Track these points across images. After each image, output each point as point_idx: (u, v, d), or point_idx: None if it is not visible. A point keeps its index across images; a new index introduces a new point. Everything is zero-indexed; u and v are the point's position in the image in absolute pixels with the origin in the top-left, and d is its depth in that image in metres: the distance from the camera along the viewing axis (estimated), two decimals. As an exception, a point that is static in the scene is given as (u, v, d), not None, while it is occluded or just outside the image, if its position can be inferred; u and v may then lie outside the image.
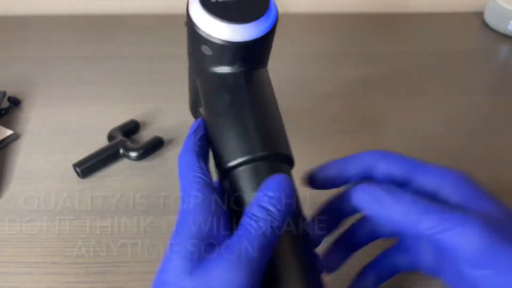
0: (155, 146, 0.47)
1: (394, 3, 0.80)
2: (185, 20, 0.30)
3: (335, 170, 0.30)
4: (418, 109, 0.56)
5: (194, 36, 0.29)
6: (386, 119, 0.54)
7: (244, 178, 0.27)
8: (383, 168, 0.29)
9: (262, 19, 0.28)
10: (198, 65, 0.31)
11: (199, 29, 0.28)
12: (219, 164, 0.28)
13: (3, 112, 0.51)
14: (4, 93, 0.53)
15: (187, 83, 0.36)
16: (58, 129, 0.50)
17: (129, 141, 0.47)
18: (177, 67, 0.61)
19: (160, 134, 0.49)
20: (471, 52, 0.69)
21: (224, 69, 0.30)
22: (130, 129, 0.49)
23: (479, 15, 0.78)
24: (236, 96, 0.29)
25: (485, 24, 0.76)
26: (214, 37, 0.28)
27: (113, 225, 0.40)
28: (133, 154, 0.46)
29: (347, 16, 0.77)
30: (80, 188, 0.43)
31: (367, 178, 0.30)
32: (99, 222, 0.40)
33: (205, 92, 0.31)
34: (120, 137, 0.47)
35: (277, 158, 0.28)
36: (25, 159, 0.46)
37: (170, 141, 0.49)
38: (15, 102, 0.53)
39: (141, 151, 0.46)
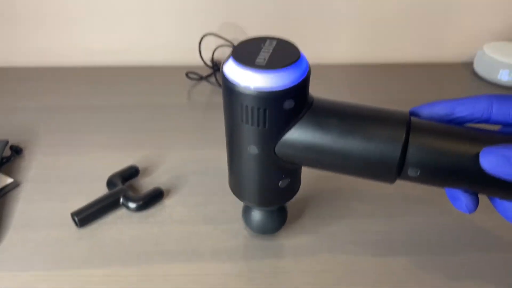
0: (155, 197, 0.48)
1: (389, 54, 0.83)
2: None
3: (446, 108, 0.31)
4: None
5: (282, 98, 0.30)
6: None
7: None
8: (499, 111, 0.30)
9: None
10: (278, 127, 0.32)
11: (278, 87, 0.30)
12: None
13: (4, 160, 0.52)
14: (7, 142, 0.54)
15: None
16: (58, 177, 0.51)
17: (129, 189, 0.48)
18: (175, 115, 0.64)
19: (158, 182, 0.50)
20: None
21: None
22: (130, 174, 0.50)
23: (469, 65, 0.81)
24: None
25: (475, 74, 0.79)
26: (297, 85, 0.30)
27: (111, 275, 0.40)
28: (132, 205, 0.46)
29: (341, 66, 0.80)
30: (78, 237, 0.43)
31: (482, 121, 0.31)
32: (96, 271, 0.40)
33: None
34: (120, 185, 0.47)
35: None
36: (24, 207, 0.47)
37: (169, 189, 0.50)
38: (17, 151, 0.54)
39: (140, 202, 0.46)
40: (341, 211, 0.48)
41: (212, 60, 0.76)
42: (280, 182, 0.36)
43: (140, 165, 0.52)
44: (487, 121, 0.31)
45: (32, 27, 0.74)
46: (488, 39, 0.82)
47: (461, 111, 0.31)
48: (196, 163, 0.54)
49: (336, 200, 0.49)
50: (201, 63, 0.75)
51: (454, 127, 0.31)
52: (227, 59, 0.32)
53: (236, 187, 0.38)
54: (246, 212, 0.42)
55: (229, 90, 0.31)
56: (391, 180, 0.32)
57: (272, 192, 0.37)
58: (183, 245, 0.43)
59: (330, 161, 0.33)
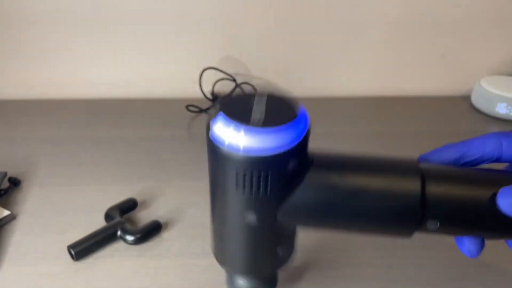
0: (153, 230, 0.47)
1: (387, 87, 0.84)
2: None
3: (456, 153, 0.30)
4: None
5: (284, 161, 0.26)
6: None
7: None
8: (510, 148, 0.29)
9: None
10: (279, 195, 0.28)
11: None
12: None
13: (2, 192, 0.52)
14: (5, 174, 0.54)
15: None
16: (56, 209, 0.50)
17: (127, 222, 0.47)
18: (175, 148, 0.64)
19: (157, 214, 0.49)
20: (461, 134, 0.72)
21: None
22: (128, 207, 0.50)
23: (467, 98, 0.82)
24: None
25: (472, 107, 0.80)
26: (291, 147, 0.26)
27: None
28: (130, 238, 0.45)
29: (340, 99, 0.81)
30: (74, 270, 0.43)
31: (493, 161, 0.30)
32: (91, 307, 0.39)
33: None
34: (117, 218, 0.47)
35: None
36: (20, 240, 0.46)
37: (167, 222, 0.49)
38: (15, 183, 0.53)
39: (138, 235, 0.46)
40: (343, 244, 0.47)
41: (213, 93, 0.76)
42: (278, 250, 0.32)
43: (138, 198, 0.51)
44: (498, 160, 0.31)
45: (33, 59, 0.75)
46: (485, 73, 0.83)
47: (471, 155, 0.30)
48: (195, 195, 0.54)
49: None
50: (202, 96, 0.75)
51: (467, 171, 0.30)
52: (214, 117, 0.27)
53: (224, 255, 0.33)
54: (233, 279, 0.36)
55: (219, 155, 0.26)
56: (409, 235, 0.29)
57: (269, 261, 0.33)
58: (181, 279, 0.42)
59: (341, 222, 0.29)
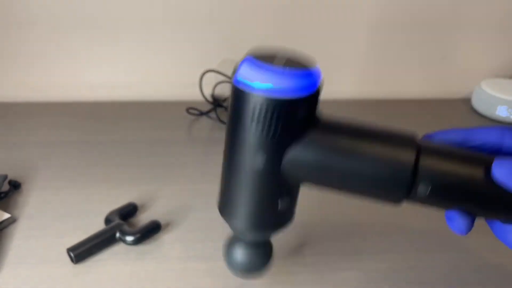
0: (152, 230, 0.47)
1: (388, 90, 0.84)
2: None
3: (459, 137, 0.32)
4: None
5: (294, 106, 0.30)
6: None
7: None
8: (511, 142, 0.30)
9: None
10: (286, 139, 0.31)
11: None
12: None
13: (2, 195, 0.52)
14: (5, 177, 0.54)
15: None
16: (56, 212, 0.50)
17: (126, 224, 0.47)
18: (175, 151, 0.64)
19: (157, 217, 0.49)
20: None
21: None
22: (128, 212, 0.49)
23: (467, 101, 0.82)
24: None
25: (473, 110, 0.80)
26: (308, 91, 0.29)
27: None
28: (129, 238, 0.45)
29: (340, 102, 0.81)
30: (74, 273, 0.42)
31: (493, 151, 0.31)
32: (90, 310, 0.39)
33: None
34: (117, 221, 0.47)
35: None
36: (20, 243, 0.46)
37: (167, 224, 0.49)
38: (15, 186, 0.53)
39: (137, 235, 0.45)
40: (344, 248, 0.47)
41: (213, 96, 0.76)
42: (279, 203, 0.34)
43: (139, 201, 0.51)
44: (498, 151, 0.32)
45: (33, 62, 0.75)
46: (486, 76, 0.83)
47: (474, 140, 0.32)
48: (195, 198, 0.54)
49: (338, 236, 0.49)
50: (202, 98, 0.76)
51: (464, 150, 0.32)
52: (240, 63, 0.31)
53: (228, 207, 0.36)
54: (230, 248, 0.38)
55: (240, 94, 0.30)
56: (399, 199, 0.32)
57: (269, 214, 0.35)
58: (180, 282, 0.42)
59: (337, 180, 0.32)
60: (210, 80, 0.75)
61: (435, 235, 0.49)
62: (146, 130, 0.69)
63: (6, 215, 0.49)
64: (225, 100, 0.77)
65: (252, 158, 0.32)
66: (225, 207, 0.36)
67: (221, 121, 0.71)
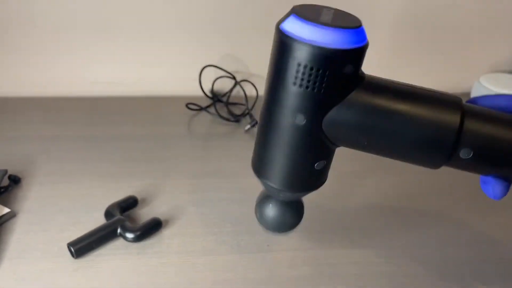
0: (153, 228, 0.47)
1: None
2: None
3: (503, 102, 0.31)
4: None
5: (334, 60, 0.29)
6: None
7: None
8: None
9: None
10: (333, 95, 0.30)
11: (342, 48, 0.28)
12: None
13: (2, 190, 0.52)
14: (5, 172, 0.54)
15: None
16: (56, 207, 0.50)
17: (127, 219, 0.47)
18: (175, 146, 0.64)
19: (157, 212, 0.49)
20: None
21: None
22: (128, 205, 0.49)
23: (467, 96, 0.82)
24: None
25: (473, 105, 0.80)
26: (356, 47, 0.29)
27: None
28: (130, 235, 0.45)
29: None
30: (74, 268, 0.43)
31: None
32: (91, 304, 0.39)
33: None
34: (118, 216, 0.47)
35: None
36: (19, 238, 0.46)
37: (168, 220, 0.49)
38: (15, 180, 0.53)
39: (138, 233, 0.45)
40: (342, 242, 0.47)
41: (212, 91, 0.76)
42: (316, 163, 0.33)
43: (139, 195, 0.51)
44: None
45: (33, 57, 0.75)
46: (485, 71, 0.83)
47: None
48: (196, 193, 0.54)
49: (337, 230, 0.49)
50: (201, 93, 0.75)
51: (507, 114, 0.31)
52: (286, 16, 0.30)
53: (264, 166, 0.35)
54: (263, 204, 0.39)
55: (286, 46, 0.29)
56: (440, 163, 0.31)
57: (305, 175, 0.34)
58: (181, 277, 0.42)
59: (378, 141, 0.31)
60: (210, 75, 0.75)
61: (433, 228, 0.49)
62: (145, 125, 0.69)
63: (6, 210, 0.49)
64: (224, 95, 0.76)
65: (293, 114, 0.31)
66: (260, 166, 0.35)
67: (221, 116, 0.71)
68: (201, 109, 0.74)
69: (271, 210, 0.38)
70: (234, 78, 0.75)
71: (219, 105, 0.75)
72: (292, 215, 0.38)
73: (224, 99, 0.76)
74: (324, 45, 0.28)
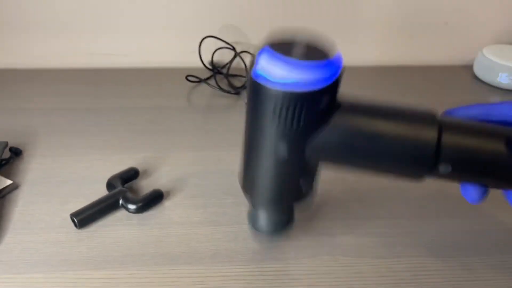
0: (155, 199, 0.47)
1: (390, 57, 0.83)
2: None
3: (481, 110, 0.32)
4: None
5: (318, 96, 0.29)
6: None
7: None
8: None
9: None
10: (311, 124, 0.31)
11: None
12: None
13: (3, 162, 0.52)
14: (6, 144, 0.54)
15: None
16: (58, 179, 0.51)
17: (129, 191, 0.47)
18: (175, 118, 0.63)
19: (158, 183, 0.50)
20: (462, 104, 0.71)
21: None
22: (129, 176, 0.50)
23: (469, 68, 0.81)
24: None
25: (474, 77, 0.79)
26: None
27: (110, 277, 0.40)
28: (132, 206, 0.46)
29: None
30: (78, 239, 0.43)
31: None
32: (96, 273, 0.40)
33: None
34: (120, 187, 0.47)
35: None
36: (23, 209, 0.46)
37: (169, 191, 0.49)
38: (16, 153, 0.54)
39: (140, 204, 0.46)
40: (342, 213, 0.48)
41: (212, 62, 0.76)
42: (301, 181, 0.35)
43: (140, 167, 0.51)
44: None
45: (33, 29, 0.74)
46: (489, 42, 0.82)
47: (496, 115, 0.32)
48: (196, 165, 0.54)
49: (336, 201, 0.49)
50: (201, 65, 0.75)
51: (485, 123, 0.32)
52: (258, 54, 0.29)
53: (250, 186, 0.36)
54: (254, 212, 0.40)
55: (261, 88, 0.29)
56: (421, 176, 0.32)
57: (291, 192, 0.36)
58: (183, 247, 0.43)
59: (360, 160, 0.32)
60: (210, 46, 0.74)
61: (435, 202, 0.50)
62: (145, 97, 0.68)
63: (9, 182, 0.49)
64: (224, 66, 0.76)
65: (275, 147, 0.32)
66: (248, 185, 0.37)
67: (221, 88, 0.71)
68: (200, 81, 0.73)
69: (261, 220, 0.39)
70: (234, 49, 0.75)
71: (219, 77, 0.74)
72: (282, 223, 0.39)
73: (224, 70, 0.75)
74: (297, 89, 0.28)
